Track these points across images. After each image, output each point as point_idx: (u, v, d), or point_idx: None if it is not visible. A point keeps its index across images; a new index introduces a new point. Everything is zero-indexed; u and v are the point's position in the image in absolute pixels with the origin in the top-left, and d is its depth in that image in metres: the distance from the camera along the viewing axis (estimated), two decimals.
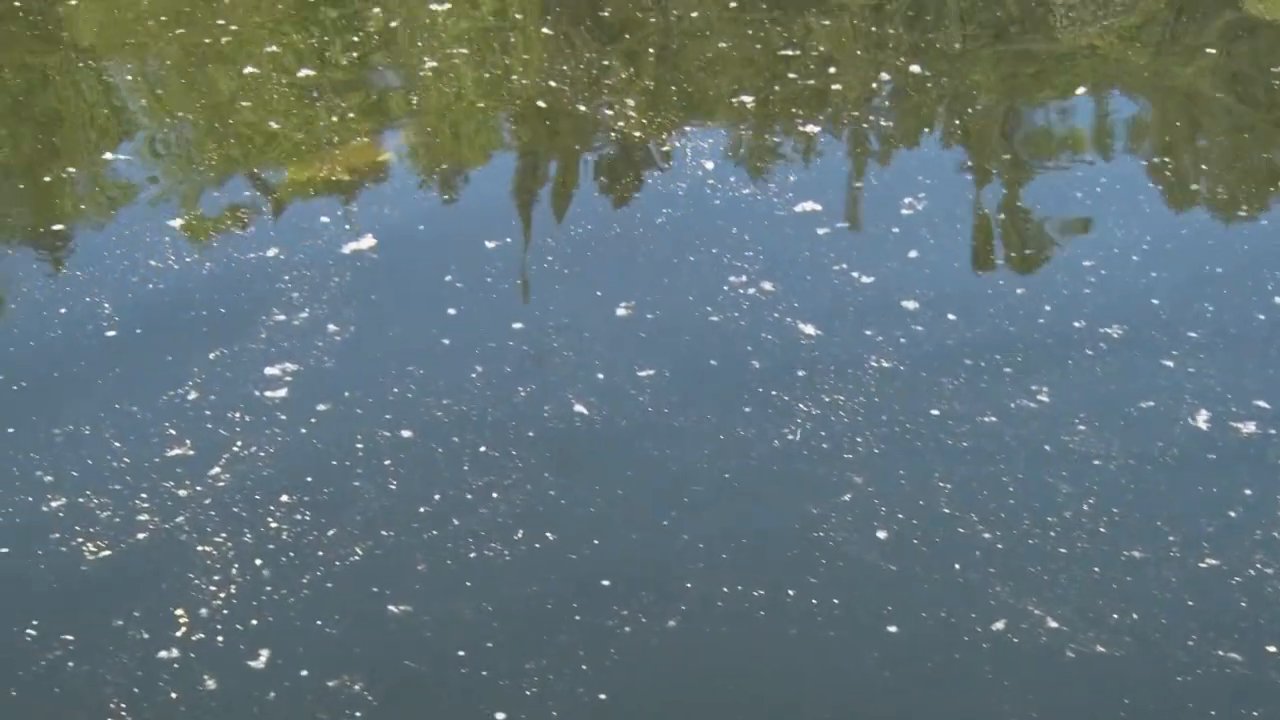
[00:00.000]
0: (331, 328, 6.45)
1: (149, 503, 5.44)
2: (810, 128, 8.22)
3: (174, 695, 4.65)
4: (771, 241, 7.07)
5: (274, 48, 9.29)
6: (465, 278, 6.84)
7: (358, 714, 4.64)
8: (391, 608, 5.04)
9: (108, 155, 8.11)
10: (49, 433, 5.80)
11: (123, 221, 7.39)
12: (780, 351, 6.24)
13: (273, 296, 6.67)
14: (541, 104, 8.53)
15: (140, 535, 5.29)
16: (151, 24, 9.57)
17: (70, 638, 4.84)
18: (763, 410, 5.90)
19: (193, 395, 6.05)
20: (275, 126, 8.36)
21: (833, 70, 8.90)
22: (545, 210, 7.54)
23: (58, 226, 7.36)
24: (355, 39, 9.48)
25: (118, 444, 5.75)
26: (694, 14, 9.72)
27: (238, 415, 5.94)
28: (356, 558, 5.24)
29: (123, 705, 4.61)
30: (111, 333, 6.44)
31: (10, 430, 5.81)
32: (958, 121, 8.39)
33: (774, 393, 5.99)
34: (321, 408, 5.96)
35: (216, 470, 5.62)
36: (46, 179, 7.82)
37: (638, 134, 8.13)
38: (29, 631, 4.87)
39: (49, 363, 6.23)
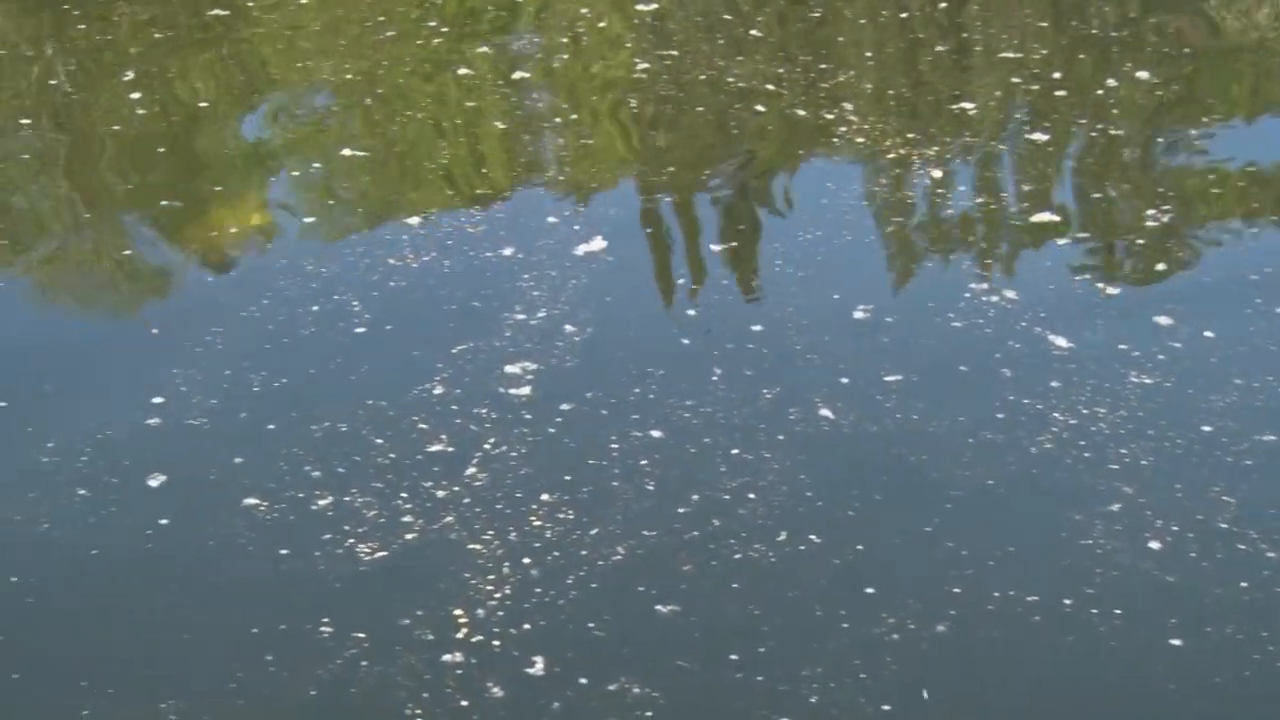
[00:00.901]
0: (569, 328, 6.51)
1: (412, 501, 5.54)
2: (1038, 135, 8.14)
3: (464, 703, 4.70)
4: (1009, 251, 7.02)
5: (485, 49, 9.41)
6: (697, 280, 6.89)
7: (648, 716, 4.68)
8: (659, 608, 5.08)
9: (345, 151, 8.25)
10: (308, 429, 5.92)
11: (359, 221, 7.52)
12: (1030, 360, 6.19)
13: (512, 295, 6.75)
14: (760, 107, 8.53)
15: (409, 535, 5.37)
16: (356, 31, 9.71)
17: (361, 636, 4.93)
18: (1016, 418, 5.86)
19: (439, 390, 6.14)
20: (500, 126, 8.47)
21: (1057, 75, 8.80)
22: (771, 215, 7.55)
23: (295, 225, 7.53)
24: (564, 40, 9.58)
25: (377, 440, 5.85)
26: (903, 15, 9.68)
27: (485, 412, 6.02)
28: (619, 557, 5.29)
29: (417, 711, 4.68)
30: (361, 329, 6.56)
31: (271, 427, 5.94)
32: (1194, 132, 8.25)
33: (1026, 401, 5.95)
34: (565, 407, 6.02)
35: (473, 468, 5.70)
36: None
37: (860, 140, 8.11)
38: (324, 629, 4.98)
39: (304, 359, 6.36)
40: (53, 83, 9.08)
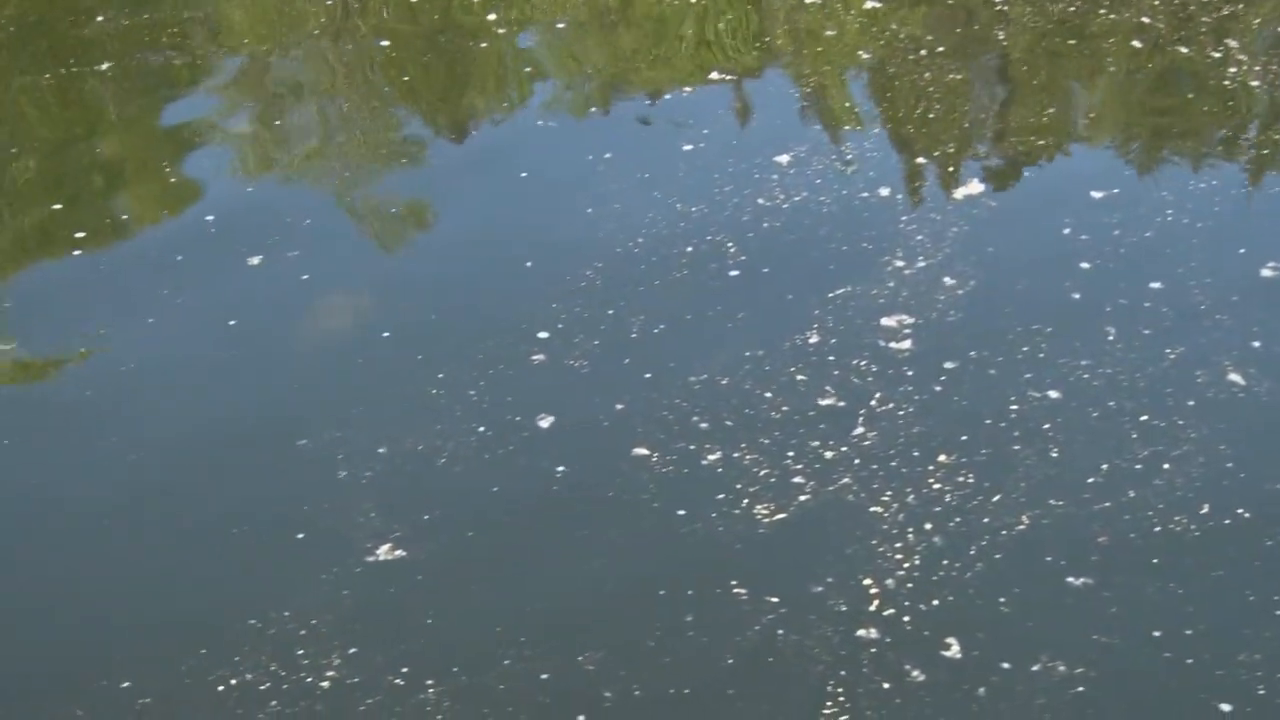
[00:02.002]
0: (949, 280, 6.23)
1: (802, 460, 5.35)
2: None
3: (886, 685, 4.51)
4: None
5: None
6: (1087, 230, 6.53)
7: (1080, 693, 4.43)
8: (1071, 580, 4.81)
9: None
10: (688, 379, 5.77)
11: (723, 157, 7.33)
12: None
13: (889, 240, 6.50)
14: (1137, 43, 8.07)
15: (803, 497, 5.20)
16: None
17: (775, 601, 4.78)
18: None
19: (815, 339, 5.94)
20: (865, 57, 8.19)
21: None
22: (1155, 159, 7.13)
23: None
24: None
25: (760, 393, 5.68)
26: None
27: (865, 365, 5.80)
28: (1024, 526, 5.03)
29: (839, 690, 4.51)
30: (735, 272, 6.38)
31: (648, 375, 5.81)
32: None
33: None
34: (950, 365, 5.76)
35: (861, 426, 5.49)
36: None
37: (1254, 82, 7.60)
38: (738, 591, 4.84)
39: (680, 304, 6.21)
40: None
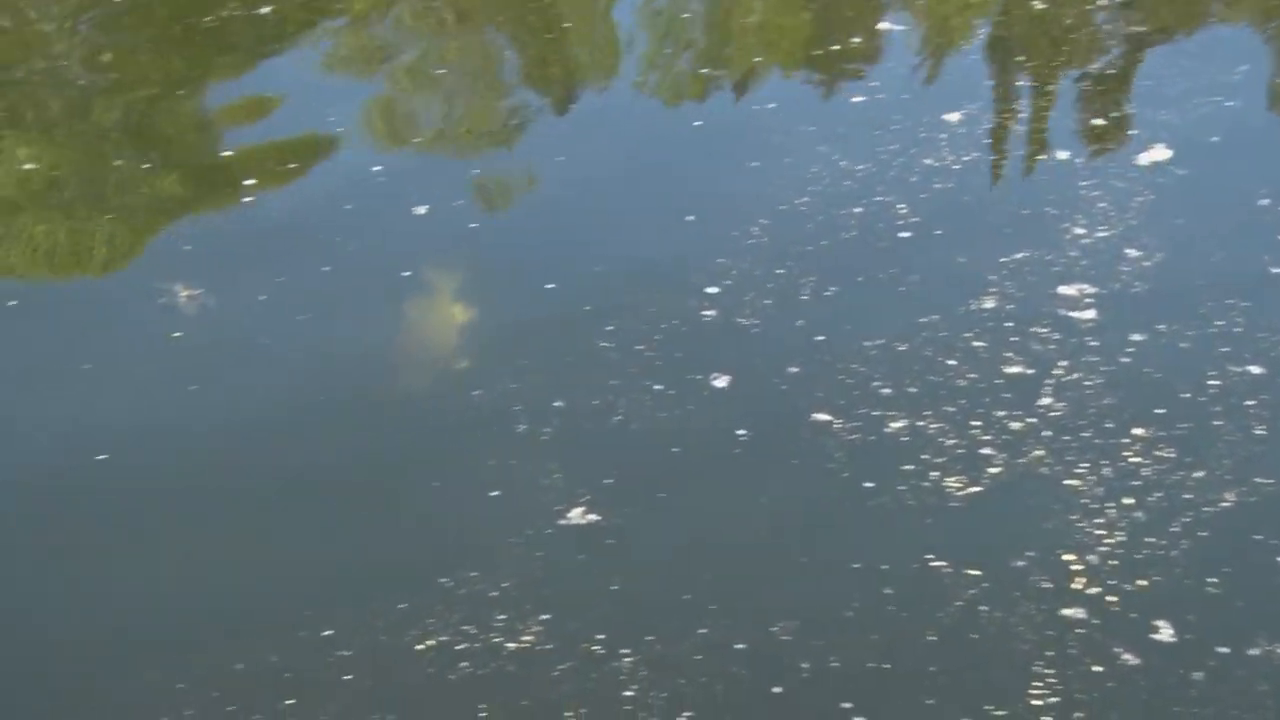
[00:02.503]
0: (1132, 251, 5.96)
1: (989, 430, 5.12)
2: None
3: (1097, 669, 4.27)
4: None
5: None
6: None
7: None
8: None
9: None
10: (862, 343, 5.55)
11: (891, 112, 7.09)
12: None
13: (1069, 206, 6.24)
14: None
15: (994, 469, 4.97)
16: None
17: (977, 575, 4.57)
18: None
19: (990, 304, 5.70)
20: (1039, 7, 7.90)
21: None
22: None
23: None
24: None
25: (940, 360, 5.45)
26: None
27: (1046, 333, 5.55)
28: (1229, 504, 4.78)
29: (1048, 671, 4.27)
30: (905, 234, 6.15)
31: (821, 338, 5.59)
32: None
33: None
34: (1137, 336, 5.50)
35: (1047, 396, 5.25)
36: None
37: None
38: (935, 565, 4.62)
39: (850, 265, 5.99)
40: None
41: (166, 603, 4.71)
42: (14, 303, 6.23)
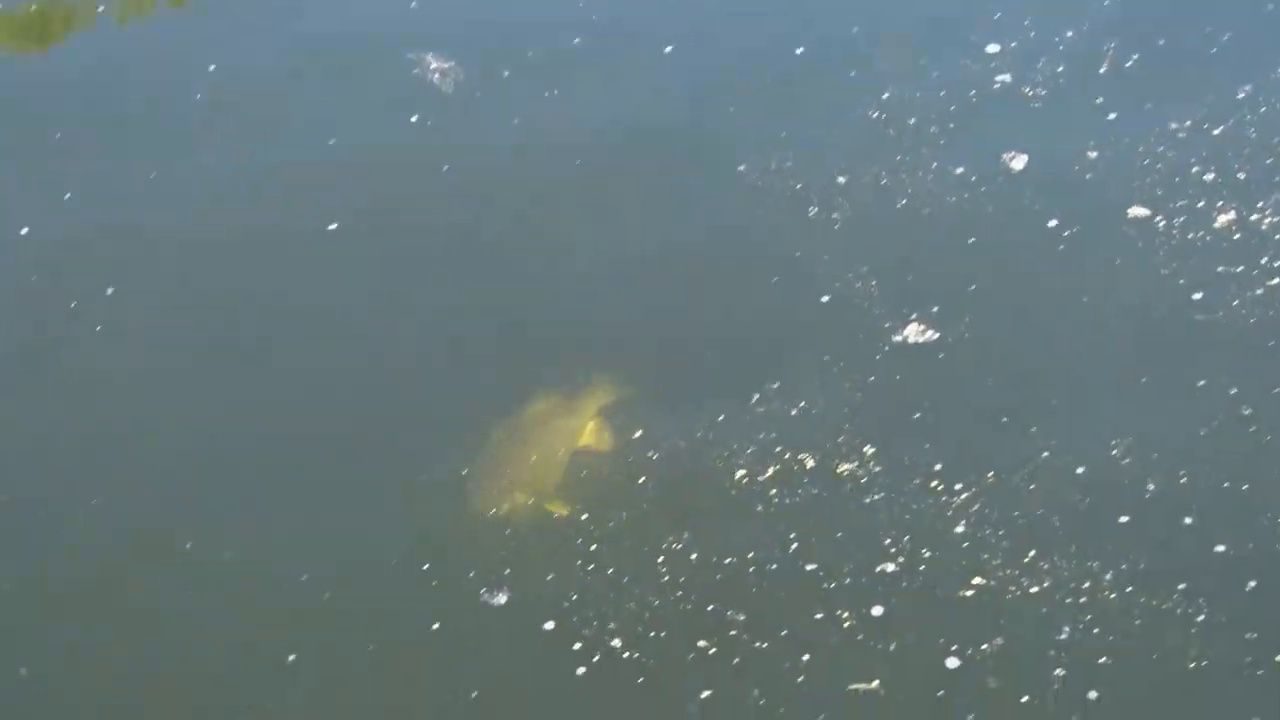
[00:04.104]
0: None
1: None
2: None
3: None
4: None
5: None
6: None
7: None
8: None
9: None
10: (1167, 126, 4.82)
11: None
12: None
13: None
14: None
15: None
16: None
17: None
18: None
19: None
20: None
21: None
22: None
23: None
24: None
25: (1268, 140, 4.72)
26: None
27: None
28: None
29: None
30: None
31: (1112, 116, 4.88)
32: None
33: None
34: None
35: None
36: None
37: None
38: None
39: (1147, 31, 5.21)
40: None
41: None
42: None
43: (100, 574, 3.83)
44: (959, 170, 4.69)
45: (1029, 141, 4.78)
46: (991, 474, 3.82)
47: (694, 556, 3.69)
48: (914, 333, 4.20)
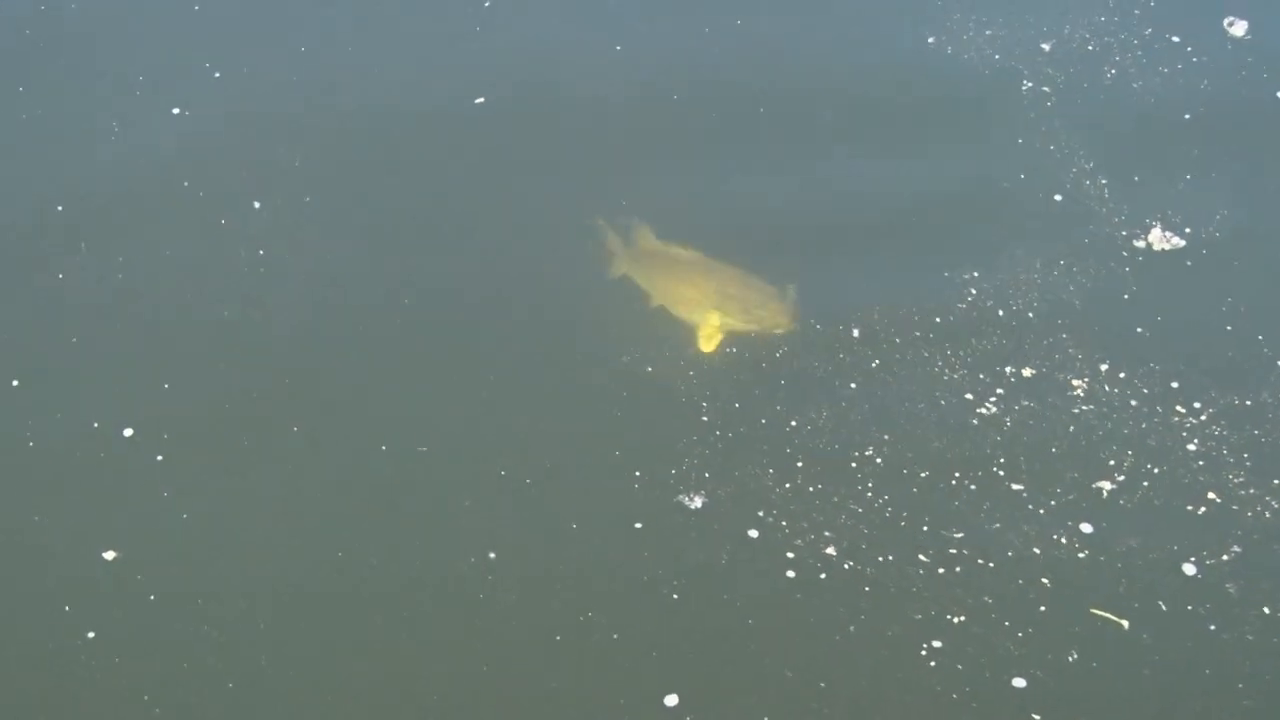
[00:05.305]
0: None
1: None
2: None
3: None
4: None
5: None
6: None
7: None
8: None
9: None
10: None
11: None
12: None
13: None
14: None
15: None
16: None
17: None
18: None
19: None
20: None
21: None
22: None
23: None
24: None
25: None
26: None
27: None
28: None
29: None
30: None
31: None
32: None
33: None
34: None
35: None
36: None
37: None
38: None
39: None
40: None
41: None
42: None
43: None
44: (1178, 41, 4.42)
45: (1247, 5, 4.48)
46: (1230, 392, 3.62)
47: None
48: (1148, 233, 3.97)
